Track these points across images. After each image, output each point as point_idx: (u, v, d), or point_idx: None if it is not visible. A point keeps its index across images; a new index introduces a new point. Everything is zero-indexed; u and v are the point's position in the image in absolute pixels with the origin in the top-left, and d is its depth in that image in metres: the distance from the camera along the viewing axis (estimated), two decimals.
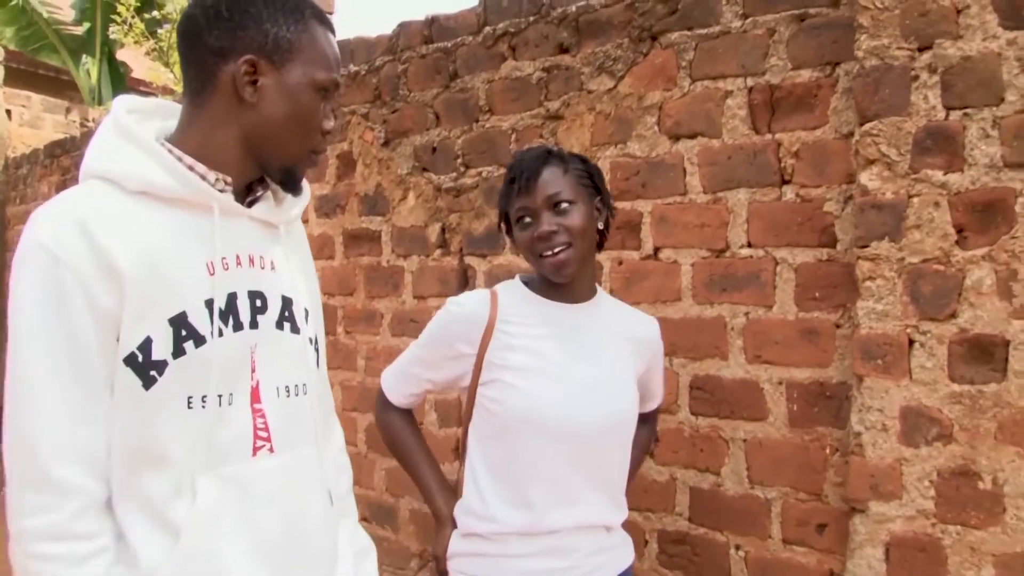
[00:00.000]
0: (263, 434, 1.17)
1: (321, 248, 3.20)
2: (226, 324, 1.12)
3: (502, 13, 2.52)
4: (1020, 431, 1.60)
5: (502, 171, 2.52)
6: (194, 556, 1.09)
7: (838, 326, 1.87)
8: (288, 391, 1.21)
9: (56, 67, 9.37)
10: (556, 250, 1.51)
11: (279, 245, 1.25)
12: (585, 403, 1.54)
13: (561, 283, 1.58)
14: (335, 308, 3.16)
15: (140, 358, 1.06)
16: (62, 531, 1.02)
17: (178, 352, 1.08)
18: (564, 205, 1.53)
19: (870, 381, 1.74)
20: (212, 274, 1.12)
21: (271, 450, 1.17)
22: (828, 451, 1.89)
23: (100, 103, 8.37)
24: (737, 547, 2.03)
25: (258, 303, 1.18)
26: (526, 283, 1.65)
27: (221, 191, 1.15)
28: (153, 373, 1.06)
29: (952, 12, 1.64)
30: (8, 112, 6.99)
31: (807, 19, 1.90)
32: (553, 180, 1.54)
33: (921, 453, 1.69)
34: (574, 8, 2.31)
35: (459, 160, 2.68)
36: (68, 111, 7.42)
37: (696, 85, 2.08)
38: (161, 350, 1.06)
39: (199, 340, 1.09)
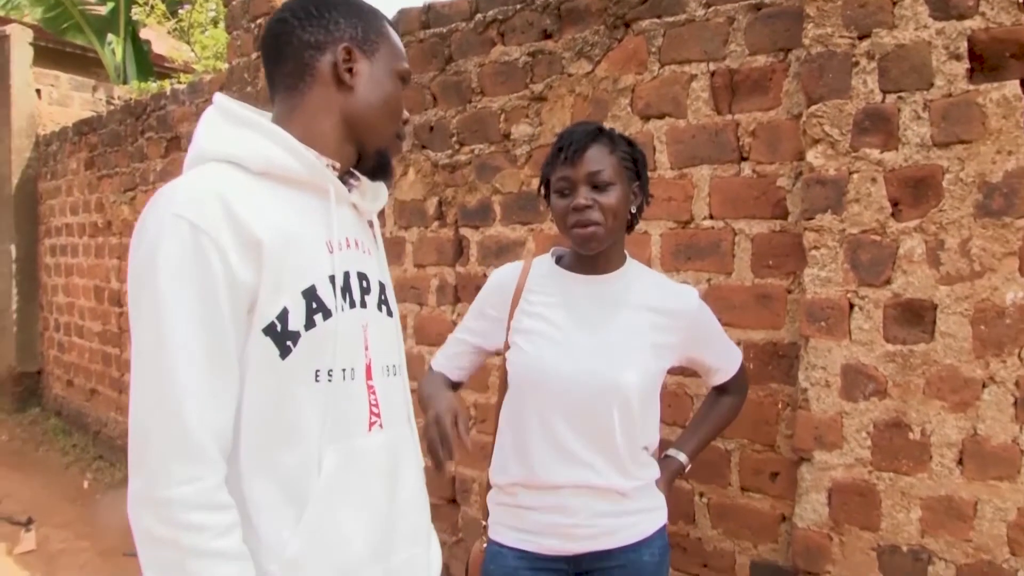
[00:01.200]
0: (375, 410, 1.21)
1: None
2: (345, 301, 1.16)
3: (492, 1, 2.68)
4: (945, 387, 1.76)
5: (492, 148, 2.70)
6: (320, 527, 1.11)
7: (789, 291, 2.04)
8: (388, 370, 1.26)
9: (83, 46, 9.63)
10: (587, 225, 1.59)
11: (369, 233, 1.32)
12: (582, 367, 1.61)
13: (586, 255, 1.67)
14: None
15: (279, 328, 1.08)
16: (211, 500, 1.03)
17: (309, 324, 1.10)
18: (603, 184, 1.59)
19: (815, 341, 1.91)
20: (331, 252, 1.16)
21: (381, 426, 1.21)
22: (780, 406, 2.07)
23: (125, 81, 8.62)
24: (701, 494, 2.22)
25: (364, 284, 1.23)
26: (559, 257, 1.77)
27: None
28: (289, 343, 1.09)
29: (888, 3, 1.79)
30: (38, 91, 7.25)
31: (763, 8, 2.05)
32: (598, 157, 1.60)
33: (859, 407, 1.86)
34: None
35: (454, 138, 2.86)
36: (95, 89, 7.67)
37: (664, 69, 2.24)
38: (296, 321, 1.09)
39: (327, 313, 1.12)
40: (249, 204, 1.07)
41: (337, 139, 1.23)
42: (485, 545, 1.78)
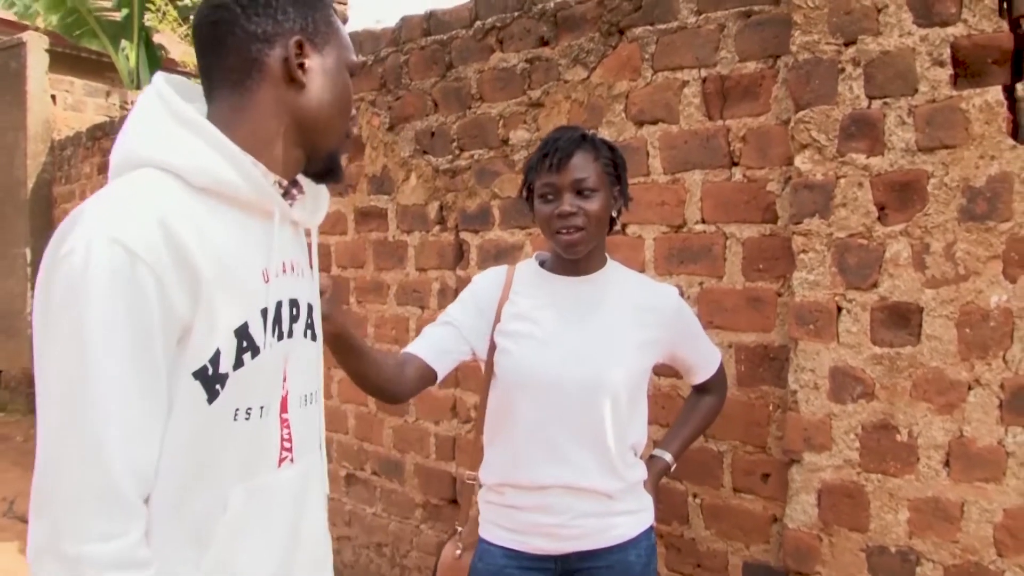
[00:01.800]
0: (287, 444, 1.14)
1: (335, 224, 3.45)
2: (273, 335, 1.08)
3: (491, 8, 2.72)
4: (932, 389, 1.78)
5: (492, 154, 2.74)
6: (223, 565, 1.05)
7: (779, 294, 2.07)
8: (305, 400, 1.19)
9: (98, 51, 9.75)
10: (571, 231, 1.62)
11: (305, 249, 1.23)
12: (568, 366, 1.64)
13: (570, 259, 1.70)
14: (348, 280, 3.41)
15: (210, 371, 0.99)
16: (130, 558, 0.93)
17: (238, 364, 1.02)
18: (587, 191, 1.62)
19: (804, 344, 1.93)
20: (267, 282, 1.08)
21: (292, 460, 1.15)
22: (771, 408, 2.09)
23: (139, 87, 8.72)
24: (694, 495, 2.25)
25: (294, 311, 1.15)
26: (542, 261, 1.81)
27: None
28: (217, 387, 1.01)
29: (873, 11, 1.81)
30: (53, 97, 7.36)
31: (752, 15, 2.08)
32: (583, 165, 1.63)
33: (847, 409, 1.88)
34: (552, 4, 2.51)
35: (454, 144, 2.90)
36: (108, 94, 7.77)
37: (657, 76, 2.27)
38: (226, 363, 1.01)
39: (255, 351, 1.04)
40: (191, 229, 0.97)
41: (286, 145, 1.12)
42: (459, 551, 1.82)
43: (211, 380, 1.00)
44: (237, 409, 1.04)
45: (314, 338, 1.22)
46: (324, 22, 1.13)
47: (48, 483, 0.92)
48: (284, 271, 1.12)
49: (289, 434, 1.15)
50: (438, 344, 1.75)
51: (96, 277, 0.91)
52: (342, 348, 1.55)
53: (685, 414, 1.95)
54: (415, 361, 1.71)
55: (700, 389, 1.93)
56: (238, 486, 1.06)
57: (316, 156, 1.16)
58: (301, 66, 1.10)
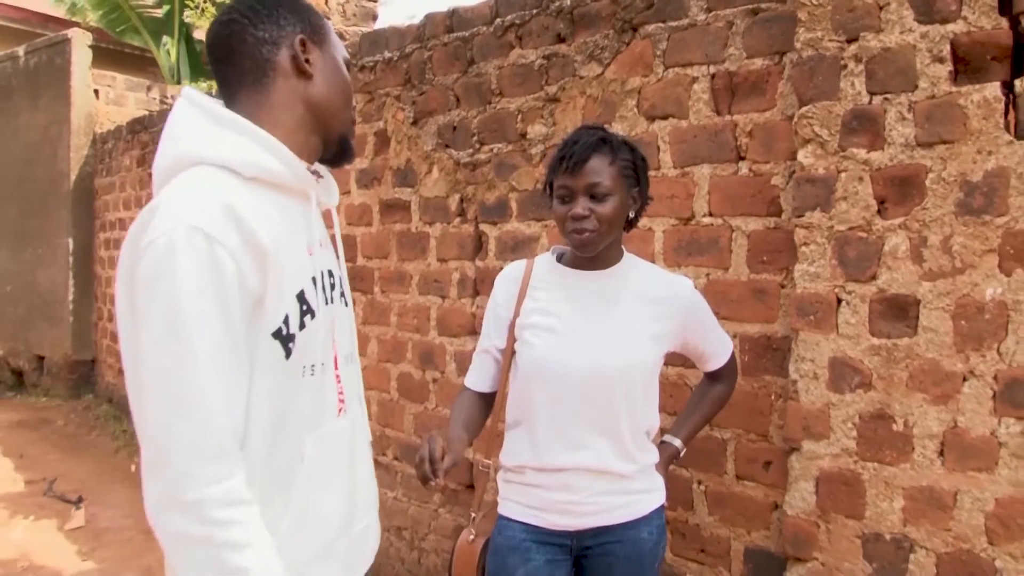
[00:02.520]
0: (341, 396, 1.32)
1: (361, 216, 3.55)
2: (321, 299, 1.26)
3: (510, 6, 2.79)
4: (927, 380, 1.81)
5: (510, 148, 2.81)
6: (304, 509, 1.23)
7: (782, 286, 2.11)
8: (348, 358, 1.38)
9: (140, 46, 10.00)
10: (583, 232, 1.70)
11: (326, 228, 1.40)
12: (585, 356, 1.72)
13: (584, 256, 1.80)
14: (372, 270, 3.50)
15: (284, 331, 1.17)
16: (240, 496, 1.08)
17: (301, 325, 1.20)
18: (601, 194, 1.69)
19: (804, 335, 1.97)
20: (311, 255, 1.26)
21: (345, 411, 1.33)
22: (773, 397, 2.14)
23: (178, 81, 8.95)
24: (699, 482, 2.30)
25: (331, 280, 1.33)
26: (559, 255, 1.89)
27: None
28: (290, 345, 1.18)
29: (875, 8, 1.85)
30: (96, 92, 7.57)
31: (759, 13, 2.12)
32: (598, 169, 1.69)
33: (845, 399, 1.92)
34: (569, 2, 2.57)
35: (475, 138, 2.97)
36: (149, 89, 7.98)
37: (668, 72, 2.32)
38: (293, 324, 1.18)
39: (312, 314, 1.22)
40: (251, 214, 1.12)
41: (305, 134, 1.30)
42: (472, 536, 1.89)
43: (285, 339, 1.18)
44: (304, 366, 1.22)
45: (347, 304, 1.40)
46: (318, 23, 1.32)
47: (160, 443, 1.07)
48: (320, 245, 1.31)
49: (341, 388, 1.33)
50: (483, 373, 1.93)
51: (182, 260, 1.06)
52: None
53: (695, 401, 2.02)
54: (481, 397, 1.93)
55: (711, 377, 2.00)
56: (311, 435, 1.24)
57: (330, 140, 1.34)
58: (307, 60, 1.27)
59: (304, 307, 1.21)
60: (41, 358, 7.84)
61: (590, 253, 1.75)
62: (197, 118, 1.22)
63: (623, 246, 1.85)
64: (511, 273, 1.91)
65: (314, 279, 1.24)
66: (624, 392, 1.75)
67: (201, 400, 1.06)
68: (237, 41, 1.26)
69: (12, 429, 6.47)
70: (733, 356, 1.97)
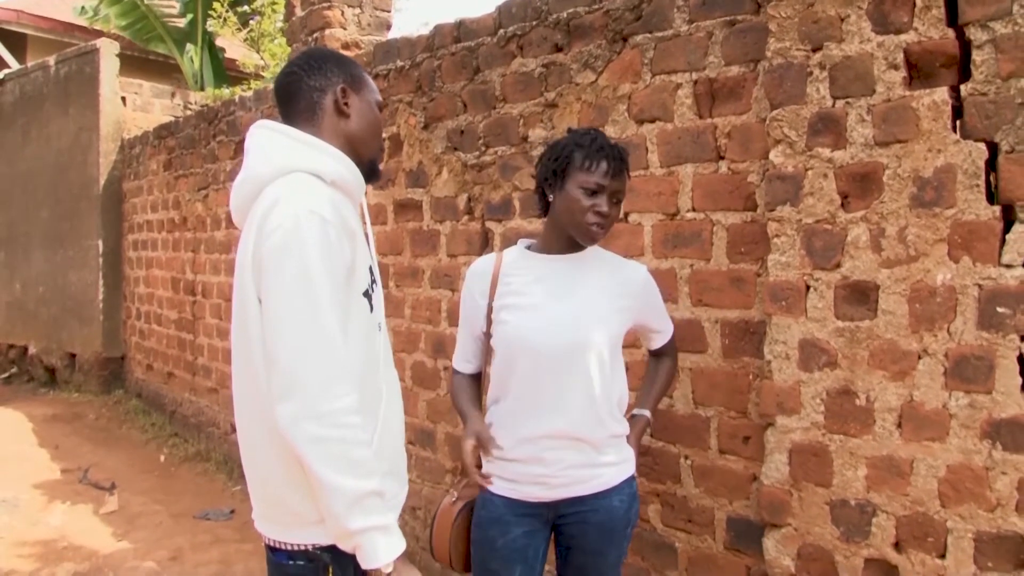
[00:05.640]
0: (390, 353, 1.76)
1: (376, 215, 3.76)
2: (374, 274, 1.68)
3: (512, 18, 3.00)
4: (887, 358, 1.98)
5: (514, 150, 3.01)
6: (388, 427, 1.63)
7: (758, 275, 2.29)
8: (385, 327, 1.75)
9: (164, 54, 10.31)
10: (599, 227, 1.94)
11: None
12: (559, 329, 1.94)
13: (557, 241, 2.02)
14: (387, 266, 3.72)
15: (367, 291, 1.59)
16: (358, 409, 1.45)
17: (372, 291, 1.63)
18: (618, 200, 1.98)
19: (776, 319, 2.15)
20: (367, 242, 1.68)
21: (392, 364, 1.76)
22: (751, 377, 2.32)
23: (202, 88, 9.23)
24: (685, 456, 2.49)
25: (373, 264, 1.70)
26: (528, 245, 2.11)
27: None
28: (371, 303, 1.61)
29: (837, 20, 2.03)
30: (123, 99, 7.85)
31: (736, 24, 2.31)
32: (624, 179, 1.98)
33: (814, 376, 2.09)
34: (565, 14, 2.77)
35: (481, 141, 3.18)
36: (173, 95, 8.25)
37: (655, 79, 2.52)
38: (368, 289, 1.61)
39: (374, 284, 1.65)
40: (340, 205, 1.53)
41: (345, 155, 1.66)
42: (454, 499, 2.11)
43: (368, 298, 1.60)
44: (376, 322, 1.64)
45: (382, 287, 1.80)
46: (358, 75, 1.72)
47: (296, 370, 1.40)
48: (367, 236, 1.70)
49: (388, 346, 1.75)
50: (466, 355, 2.18)
51: (307, 234, 1.43)
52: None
53: (652, 375, 2.23)
54: (473, 378, 2.21)
55: (657, 354, 2.23)
56: (385, 377, 1.66)
57: (362, 163, 1.68)
58: (346, 103, 1.67)
59: (371, 278, 1.63)
60: (73, 355, 8.13)
61: (592, 244, 2.01)
62: (281, 139, 1.59)
63: (611, 240, 2.05)
64: (483, 265, 2.11)
65: (370, 256, 1.66)
66: (594, 359, 1.95)
67: (329, 336, 1.42)
68: (295, 88, 1.66)
69: (47, 423, 6.75)
70: (673, 336, 2.21)
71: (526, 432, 1.97)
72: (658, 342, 2.19)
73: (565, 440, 1.96)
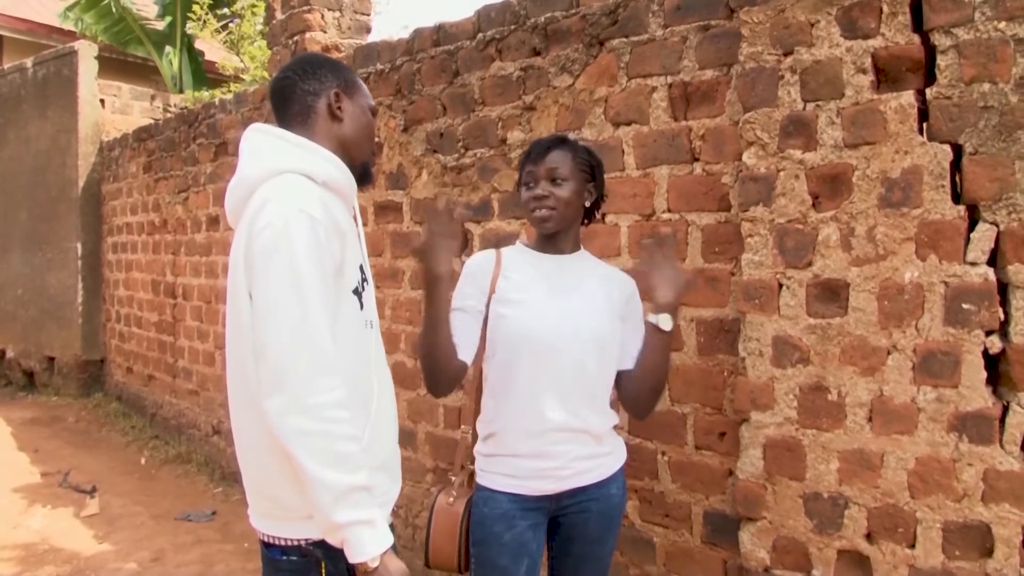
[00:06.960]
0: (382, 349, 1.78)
1: None
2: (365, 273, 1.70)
3: (491, 22, 3.04)
4: (857, 354, 2.03)
5: (492, 152, 3.05)
6: (379, 426, 1.65)
7: (732, 274, 2.34)
8: (377, 325, 1.77)
9: (143, 56, 10.27)
10: (542, 209, 1.97)
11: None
12: (560, 324, 1.96)
13: (546, 235, 2.03)
14: None
15: (357, 289, 1.62)
16: (344, 403, 1.47)
17: (363, 289, 1.65)
18: (559, 180, 1.97)
19: (750, 317, 2.20)
20: (359, 241, 1.71)
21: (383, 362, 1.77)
22: (726, 374, 2.37)
23: (181, 90, 9.21)
24: (663, 453, 2.54)
25: (364, 263, 1.73)
26: (525, 245, 2.13)
27: None
28: (361, 301, 1.63)
29: (807, 25, 2.08)
30: (102, 101, 7.82)
31: (710, 29, 2.36)
32: (558, 159, 1.98)
33: (787, 373, 2.14)
34: (543, 18, 2.81)
35: (460, 143, 3.21)
36: (152, 98, 8.23)
37: (631, 82, 2.56)
38: (359, 287, 1.63)
39: (365, 282, 1.66)
40: (331, 205, 1.55)
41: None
42: (452, 498, 2.09)
43: (357, 295, 1.62)
44: (366, 320, 1.66)
45: (368, 280, 1.78)
46: (351, 80, 1.75)
47: (284, 364, 1.44)
48: (359, 236, 1.73)
49: (380, 343, 1.78)
50: (461, 336, 1.98)
51: (296, 233, 1.46)
52: (444, 297, 1.90)
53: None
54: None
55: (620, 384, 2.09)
56: (377, 374, 1.69)
57: (354, 166, 1.71)
58: (339, 107, 1.70)
59: (362, 275, 1.66)
60: (51, 359, 8.07)
61: (548, 230, 2.01)
62: (273, 141, 1.63)
63: (587, 241, 2.08)
64: (484, 256, 2.11)
65: (362, 255, 1.69)
66: (594, 352, 1.98)
67: (316, 332, 1.45)
68: (289, 92, 1.69)
69: (26, 426, 6.71)
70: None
71: (531, 426, 1.98)
72: (627, 363, 2.06)
73: (570, 433, 1.99)
